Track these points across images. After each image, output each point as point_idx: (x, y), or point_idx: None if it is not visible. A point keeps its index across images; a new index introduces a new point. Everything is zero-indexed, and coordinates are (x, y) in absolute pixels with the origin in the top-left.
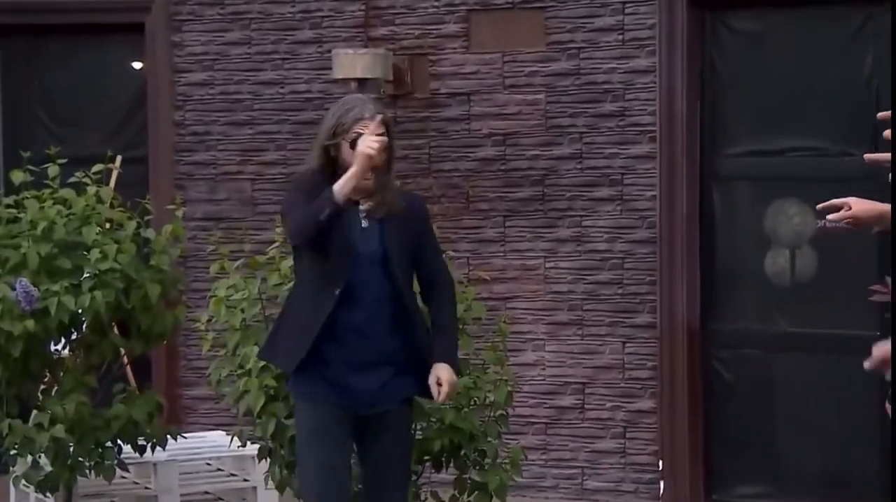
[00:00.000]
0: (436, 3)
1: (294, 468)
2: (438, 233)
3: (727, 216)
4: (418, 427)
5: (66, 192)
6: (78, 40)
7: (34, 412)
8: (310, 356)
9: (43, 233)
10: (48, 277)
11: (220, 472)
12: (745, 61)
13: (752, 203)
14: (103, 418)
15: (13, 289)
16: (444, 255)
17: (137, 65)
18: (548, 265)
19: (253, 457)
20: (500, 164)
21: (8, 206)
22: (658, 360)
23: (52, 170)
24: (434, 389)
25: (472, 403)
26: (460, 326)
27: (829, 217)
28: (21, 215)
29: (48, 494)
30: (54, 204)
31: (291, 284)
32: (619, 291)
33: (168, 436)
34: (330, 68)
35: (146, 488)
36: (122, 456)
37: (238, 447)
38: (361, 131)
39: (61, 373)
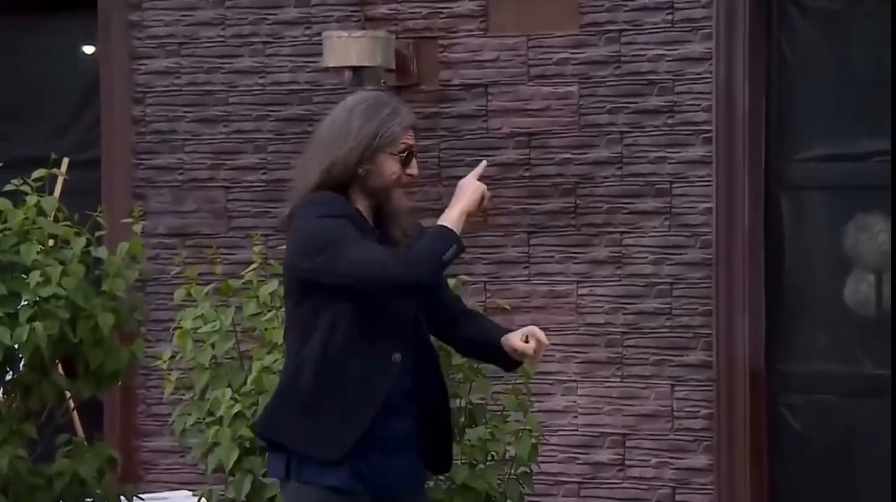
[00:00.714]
0: None
1: None
2: None
3: (798, 233)
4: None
5: (1, 203)
6: (16, 20)
7: None
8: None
9: None
10: None
11: None
12: (820, 46)
13: (828, 217)
14: (44, 475)
15: None
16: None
17: (89, 49)
18: (581, 292)
19: None
20: (523, 170)
21: None
22: (714, 407)
23: None
24: (522, 347)
25: (488, 458)
26: (475, 366)
27: None
28: None
29: None
30: None
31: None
32: (667, 323)
33: (123, 498)
34: (320, 54)
35: None
36: None
37: None
38: (409, 141)
39: None
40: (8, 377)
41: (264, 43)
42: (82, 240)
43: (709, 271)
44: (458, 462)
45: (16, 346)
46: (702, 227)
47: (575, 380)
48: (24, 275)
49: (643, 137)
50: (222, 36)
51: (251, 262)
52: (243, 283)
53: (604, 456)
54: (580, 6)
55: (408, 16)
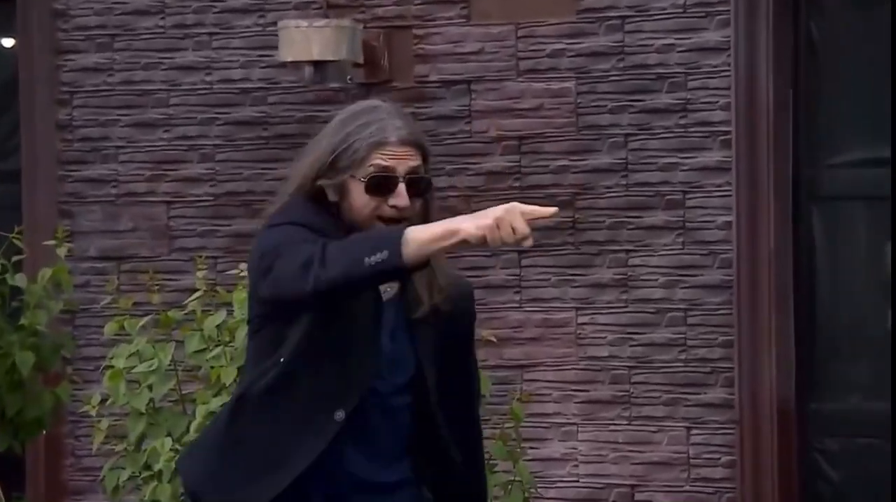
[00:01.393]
0: None
1: None
2: None
3: (833, 251)
4: None
5: None
6: None
7: None
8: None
9: None
10: None
11: None
12: (855, 35)
13: (867, 232)
14: None
15: None
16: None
17: (7, 42)
18: (581, 320)
19: None
20: (513, 180)
21: None
22: (737, 454)
23: None
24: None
25: None
26: None
27: None
28: None
29: None
30: None
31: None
32: (682, 356)
33: None
34: (275, 47)
35: None
36: None
37: None
38: (383, 162)
39: None
40: None
41: (211, 34)
42: None
43: (729, 295)
44: None
45: None
46: (720, 244)
47: (575, 423)
48: None
49: (651, 141)
50: (161, 26)
51: (195, 290)
52: (186, 314)
53: None
54: None
55: (377, 2)
